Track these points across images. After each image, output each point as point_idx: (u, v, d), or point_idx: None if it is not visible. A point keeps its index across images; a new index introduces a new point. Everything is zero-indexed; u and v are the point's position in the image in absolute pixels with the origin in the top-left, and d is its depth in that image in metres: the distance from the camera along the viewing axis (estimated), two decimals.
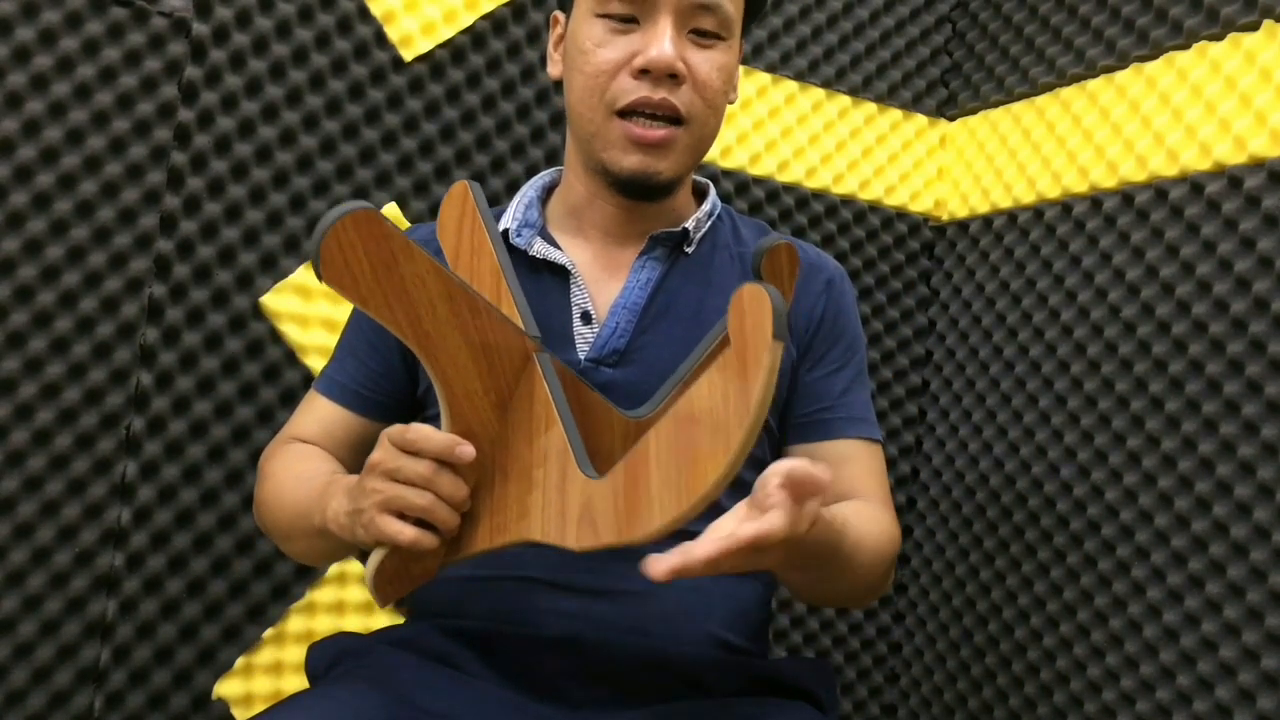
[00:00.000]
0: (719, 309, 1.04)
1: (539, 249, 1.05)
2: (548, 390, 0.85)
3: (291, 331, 1.31)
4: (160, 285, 1.26)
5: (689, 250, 1.08)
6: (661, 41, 0.97)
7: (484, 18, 1.41)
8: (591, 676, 0.94)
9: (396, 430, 0.82)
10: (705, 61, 1.00)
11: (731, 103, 1.08)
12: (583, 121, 1.02)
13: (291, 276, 1.31)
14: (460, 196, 0.99)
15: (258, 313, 1.30)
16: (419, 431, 0.81)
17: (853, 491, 1.07)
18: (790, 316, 1.07)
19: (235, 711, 1.29)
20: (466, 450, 0.81)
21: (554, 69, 1.08)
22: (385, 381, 1.08)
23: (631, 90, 0.98)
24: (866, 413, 1.11)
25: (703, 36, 1.00)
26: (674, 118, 0.99)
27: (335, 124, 1.34)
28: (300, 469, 1.03)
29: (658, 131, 0.99)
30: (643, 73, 0.98)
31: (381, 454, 0.82)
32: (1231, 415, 1.21)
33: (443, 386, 0.84)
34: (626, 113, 0.99)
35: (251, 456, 1.28)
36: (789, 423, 1.09)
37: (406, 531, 0.82)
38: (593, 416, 0.91)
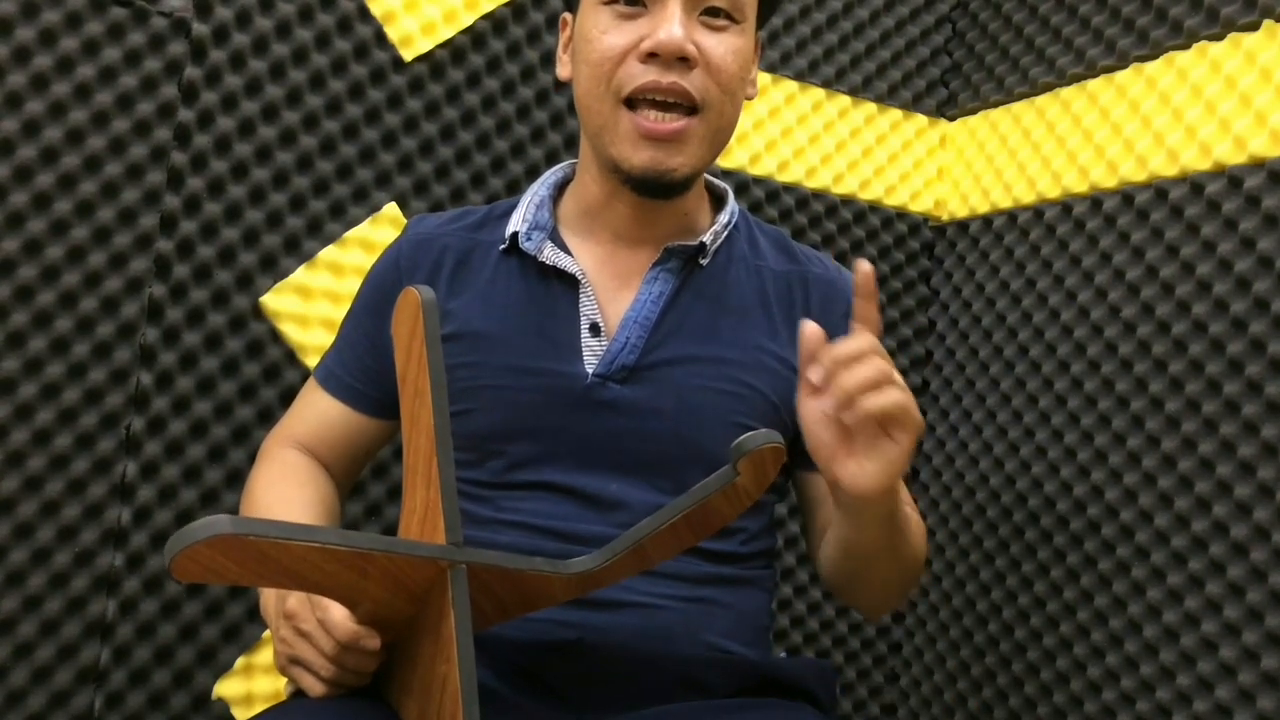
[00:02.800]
0: (732, 328, 1.03)
1: (548, 255, 1.02)
2: (453, 621, 0.75)
3: (291, 331, 1.31)
4: (160, 285, 1.26)
5: (703, 262, 1.04)
6: (670, 23, 0.93)
7: (484, 18, 1.40)
8: (592, 679, 0.94)
9: (315, 600, 0.81)
10: (718, 45, 0.95)
11: (750, 97, 1.03)
12: (591, 114, 0.98)
13: (291, 276, 1.31)
14: (412, 313, 0.80)
15: (258, 313, 1.30)
16: (330, 615, 0.80)
17: None
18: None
19: (235, 711, 1.29)
20: (371, 644, 0.80)
21: (563, 70, 1.04)
22: (383, 379, 1.07)
23: (639, 75, 0.94)
24: None
25: (714, 18, 0.96)
26: (688, 105, 0.95)
27: (335, 124, 1.34)
28: (277, 494, 1.03)
29: (670, 124, 0.95)
30: (651, 56, 0.93)
31: (298, 608, 0.83)
32: (1231, 415, 1.21)
33: (341, 600, 0.79)
34: (635, 101, 0.95)
35: (251, 457, 1.27)
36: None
37: (316, 688, 0.83)
38: (531, 591, 0.85)
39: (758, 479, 0.82)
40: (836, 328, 1.08)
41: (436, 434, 0.76)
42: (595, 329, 1.01)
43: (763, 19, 1.04)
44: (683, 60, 0.94)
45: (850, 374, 0.81)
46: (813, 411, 0.85)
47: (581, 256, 1.04)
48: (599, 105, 0.97)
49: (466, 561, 0.75)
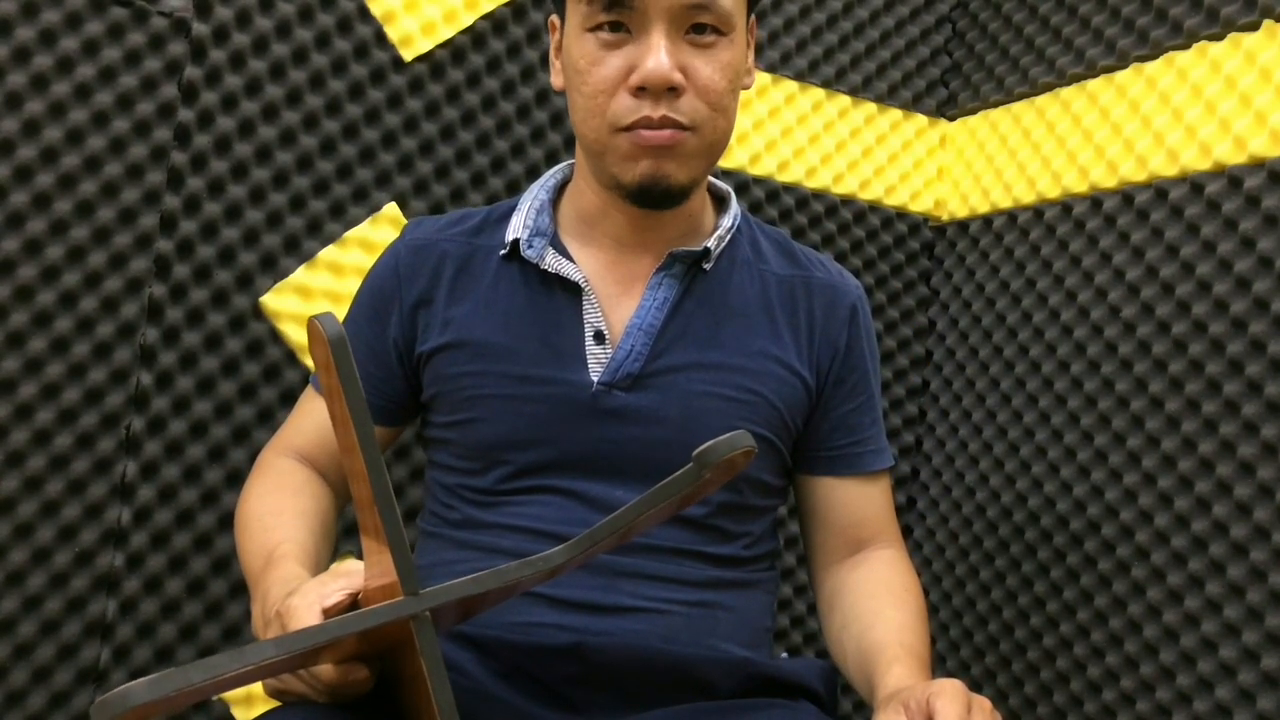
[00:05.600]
0: (735, 333, 1.03)
1: (550, 262, 1.02)
2: (425, 669, 0.71)
3: (291, 331, 1.31)
4: (160, 285, 1.26)
5: (707, 267, 1.04)
6: (656, 53, 0.92)
7: (484, 18, 1.41)
8: (593, 681, 0.94)
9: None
10: (705, 65, 0.95)
11: (747, 87, 1.03)
12: (587, 141, 0.99)
13: (291, 276, 1.31)
14: (322, 346, 0.72)
15: (258, 313, 1.30)
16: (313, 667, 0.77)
17: (877, 533, 1.09)
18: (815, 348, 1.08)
19: (235, 712, 1.29)
20: (359, 675, 0.77)
21: (556, 79, 1.03)
22: (385, 385, 1.07)
23: (632, 110, 0.94)
24: (885, 438, 1.12)
25: (701, 35, 0.95)
26: (678, 129, 0.95)
27: (335, 124, 1.34)
28: (268, 506, 1.02)
29: (663, 132, 0.94)
30: (640, 89, 0.94)
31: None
32: (1231, 415, 1.21)
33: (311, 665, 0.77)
34: (629, 130, 0.95)
35: (251, 456, 1.28)
36: (817, 453, 1.08)
37: (304, 698, 0.80)
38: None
39: (727, 474, 0.81)
40: (838, 334, 1.08)
41: (372, 482, 0.72)
42: (599, 336, 1.01)
43: (751, 6, 1.02)
44: (671, 89, 0.94)
45: None
46: None
47: (584, 262, 1.03)
48: (595, 134, 0.97)
49: (428, 609, 0.71)
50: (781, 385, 1.03)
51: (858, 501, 1.08)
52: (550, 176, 1.10)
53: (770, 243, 1.11)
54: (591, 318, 1.01)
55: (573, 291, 1.02)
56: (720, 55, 0.96)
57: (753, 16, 1.04)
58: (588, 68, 0.96)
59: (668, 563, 0.98)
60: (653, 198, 0.98)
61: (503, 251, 1.04)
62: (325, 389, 0.74)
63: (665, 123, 0.94)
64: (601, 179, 1.01)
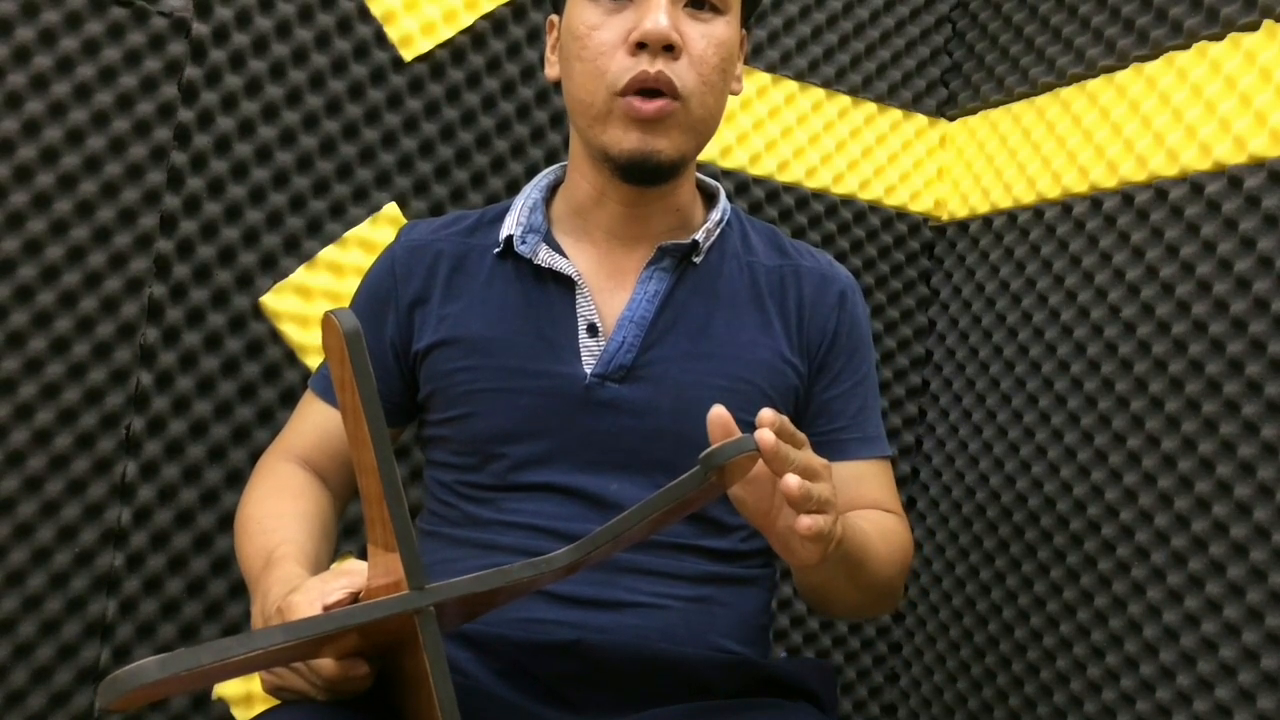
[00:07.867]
0: (726, 323, 1.04)
1: (543, 257, 1.03)
2: (428, 664, 0.72)
3: (291, 331, 1.31)
4: (160, 285, 1.26)
5: (697, 260, 1.06)
6: (656, 13, 0.95)
7: (484, 18, 1.41)
8: (592, 680, 0.94)
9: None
10: (701, 36, 0.98)
11: (736, 93, 1.05)
12: (583, 108, 1.00)
13: (291, 276, 1.31)
14: (338, 342, 0.73)
15: (258, 313, 1.30)
16: (313, 660, 0.78)
17: (866, 508, 1.08)
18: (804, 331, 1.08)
19: (235, 712, 1.29)
20: (359, 670, 0.77)
21: (551, 70, 1.06)
22: (381, 386, 1.06)
23: (630, 67, 0.96)
24: (879, 430, 1.12)
25: (699, 9, 0.99)
26: (670, 94, 0.97)
27: (335, 124, 1.34)
28: (268, 509, 1.02)
29: (654, 102, 0.96)
30: (639, 47, 0.96)
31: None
32: (1231, 415, 1.21)
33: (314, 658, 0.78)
34: (625, 93, 0.97)
35: (251, 456, 1.28)
36: None
37: (303, 696, 0.81)
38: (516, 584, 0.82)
39: (733, 478, 0.81)
40: (827, 318, 1.09)
41: (381, 475, 0.72)
42: (593, 329, 1.02)
43: (748, 12, 1.06)
44: (668, 50, 0.96)
45: (816, 486, 0.81)
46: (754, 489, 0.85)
47: (576, 257, 1.05)
48: (592, 98, 0.98)
49: (433, 604, 0.71)
50: (773, 374, 1.04)
51: (843, 491, 1.07)
52: (543, 177, 1.12)
53: (760, 236, 1.12)
54: (584, 310, 1.02)
55: (566, 285, 1.03)
56: (715, 30, 0.99)
57: (744, 30, 1.06)
58: (588, 32, 0.98)
59: (666, 558, 0.99)
60: (642, 173, 0.99)
61: (497, 249, 1.06)
62: (337, 382, 0.75)
63: (660, 80, 0.96)
64: (592, 153, 1.02)
